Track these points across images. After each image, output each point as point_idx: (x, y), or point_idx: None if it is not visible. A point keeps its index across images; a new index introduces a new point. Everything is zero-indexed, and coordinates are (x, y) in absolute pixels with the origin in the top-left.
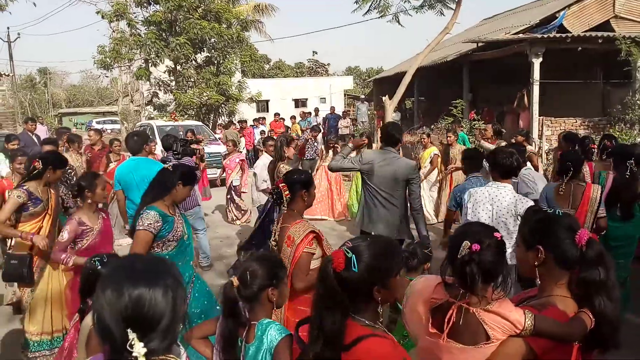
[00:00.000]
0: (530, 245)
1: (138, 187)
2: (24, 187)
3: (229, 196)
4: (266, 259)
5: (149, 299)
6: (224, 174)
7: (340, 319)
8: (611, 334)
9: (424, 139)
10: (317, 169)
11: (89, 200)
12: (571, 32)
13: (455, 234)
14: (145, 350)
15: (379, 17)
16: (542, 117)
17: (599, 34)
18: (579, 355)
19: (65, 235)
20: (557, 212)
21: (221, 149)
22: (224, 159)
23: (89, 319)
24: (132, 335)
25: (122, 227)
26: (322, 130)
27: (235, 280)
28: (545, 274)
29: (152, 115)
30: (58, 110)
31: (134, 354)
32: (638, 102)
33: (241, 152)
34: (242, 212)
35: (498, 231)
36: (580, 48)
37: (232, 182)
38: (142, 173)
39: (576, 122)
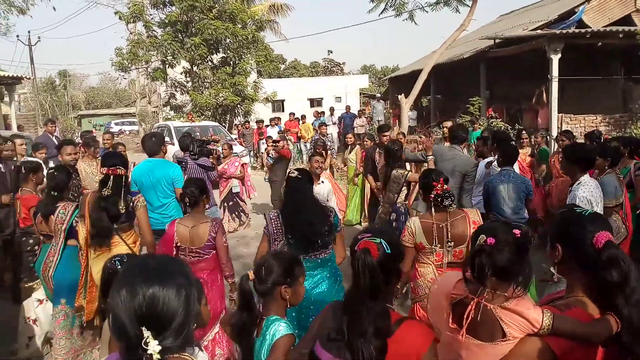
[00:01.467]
0: (552, 243)
1: (154, 188)
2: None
3: (229, 203)
4: (283, 257)
5: (162, 297)
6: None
7: (385, 306)
8: (631, 340)
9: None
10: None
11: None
12: (591, 27)
13: (477, 230)
14: (160, 347)
15: (395, 17)
16: (561, 114)
17: (620, 28)
18: (609, 358)
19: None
20: (584, 212)
21: (238, 149)
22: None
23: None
24: (146, 333)
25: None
26: (338, 130)
27: (251, 274)
28: (568, 274)
29: (169, 116)
30: (77, 112)
31: (149, 352)
32: None
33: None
34: (245, 216)
35: (520, 229)
36: (600, 43)
37: (231, 188)
38: (157, 174)
39: (596, 119)
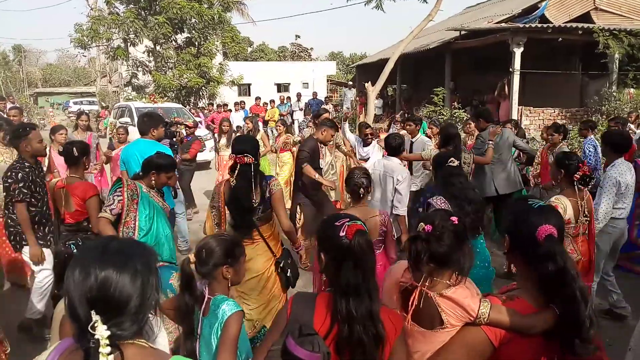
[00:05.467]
0: (502, 234)
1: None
2: None
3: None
4: (224, 238)
5: (115, 281)
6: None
7: (377, 288)
8: (567, 333)
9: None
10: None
11: None
12: (552, 23)
13: (418, 220)
14: (108, 333)
15: (365, 4)
16: (521, 106)
17: (579, 25)
18: (549, 351)
19: None
20: (533, 204)
21: (202, 132)
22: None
23: (62, 305)
24: (95, 317)
25: None
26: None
27: (192, 257)
28: (516, 265)
29: (130, 97)
30: (34, 90)
31: (96, 336)
32: (614, 94)
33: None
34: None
35: (456, 216)
36: (560, 39)
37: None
38: (143, 155)
39: (554, 112)
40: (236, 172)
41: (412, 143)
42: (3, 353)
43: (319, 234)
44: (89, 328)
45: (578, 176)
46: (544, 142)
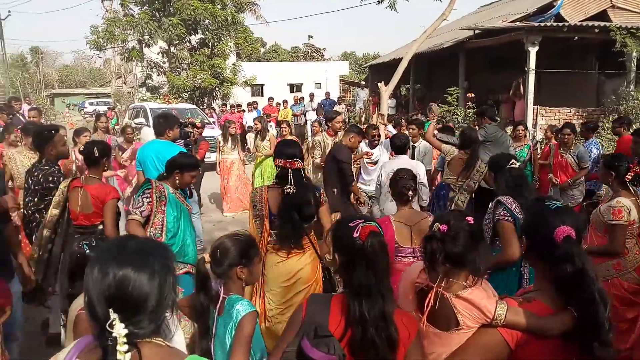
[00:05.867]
0: (521, 234)
1: (157, 170)
2: None
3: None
4: (239, 239)
5: (133, 280)
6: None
7: (392, 290)
8: (586, 336)
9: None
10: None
11: None
12: (568, 21)
13: (433, 220)
14: (126, 331)
15: (378, 3)
16: (536, 106)
17: (596, 23)
18: (568, 354)
19: None
20: (551, 205)
21: (216, 132)
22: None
23: (76, 303)
24: (113, 315)
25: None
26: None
27: (207, 257)
28: (534, 266)
29: (145, 98)
30: (50, 91)
31: (113, 334)
32: (632, 93)
33: None
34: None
35: (472, 216)
36: (576, 37)
37: None
38: (162, 157)
39: (570, 112)
40: (290, 178)
41: (414, 148)
42: None
43: (333, 234)
44: (107, 326)
45: (630, 177)
46: (546, 141)
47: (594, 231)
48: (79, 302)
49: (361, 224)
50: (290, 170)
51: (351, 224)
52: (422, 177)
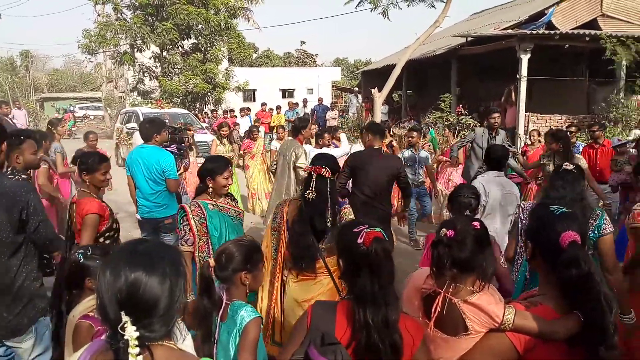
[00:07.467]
0: (525, 239)
1: (145, 175)
2: None
3: None
4: (244, 244)
5: (144, 283)
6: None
7: (396, 295)
8: (593, 340)
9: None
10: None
11: None
12: (559, 29)
13: (440, 225)
14: (137, 334)
15: (371, 10)
16: (528, 113)
17: (586, 31)
18: (574, 357)
19: None
20: (555, 210)
21: (208, 137)
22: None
23: (75, 312)
24: (125, 318)
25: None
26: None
27: (211, 261)
28: (539, 271)
29: (136, 102)
30: (40, 95)
31: (125, 337)
32: (622, 100)
33: None
34: None
35: (479, 221)
36: (567, 45)
37: None
38: (149, 162)
39: (561, 119)
40: (312, 183)
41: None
42: None
43: (337, 240)
44: (118, 329)
45: None
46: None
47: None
48: (79, 310)
49: (365, 230)
50: (314, 176)
51: (355, 230)
52: (516, 199)
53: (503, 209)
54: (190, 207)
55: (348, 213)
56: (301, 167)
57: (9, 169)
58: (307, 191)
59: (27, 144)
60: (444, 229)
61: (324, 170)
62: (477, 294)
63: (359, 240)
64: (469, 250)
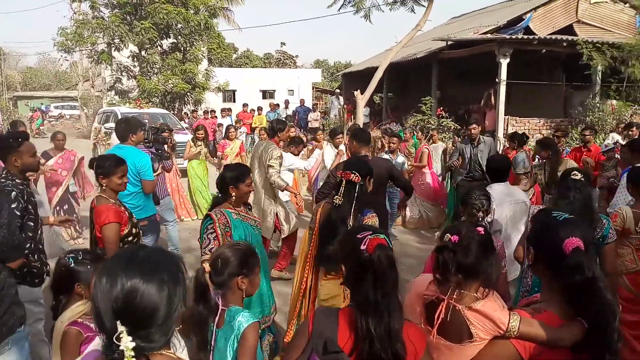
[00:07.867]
0: (527, 245)
1: None
2: None
3: (64, 207)
4: (239, 248)
5: (142, 291)
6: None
7: (400, 303)
8: (597, 346)
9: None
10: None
11: None
12: (537, 34)
13: (443, 230)
14: (133, 344)
15: (354, 13)
16: (507, 116)
17: (564, 37)
18: None
19: None
20: (558, 217)
21: (188, 137)
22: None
23: (63, 318)
24: (121, 328)
25: None
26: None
27: (207, 267)
28: (542, 277)
29: (113, 101)
30: (13, 93)
31: (121, 347)
32: (597, 105)
33: None
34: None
35: (484, 227)
36: (544, 50)
37: (68, 187)
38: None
39: (539, 122)
40: (341, 189)
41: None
42: None
43: (340, 245)
44: (114, 339)
45: None
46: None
47: None
48: (67, 316)
49: (369, 236)
50: (343, 181)
51: (359, 236)
52: (526, 206)
53: (513, 219)
54: (216, 215)
55: (372, 221)
56: (272, 166)
57: (4, 172)
58: (336, 197)
59: (25, 147)
60: (448, 235)
61: (353, 175)
62: (482, 300)
63: (362, 247)
64: (474, 255)
